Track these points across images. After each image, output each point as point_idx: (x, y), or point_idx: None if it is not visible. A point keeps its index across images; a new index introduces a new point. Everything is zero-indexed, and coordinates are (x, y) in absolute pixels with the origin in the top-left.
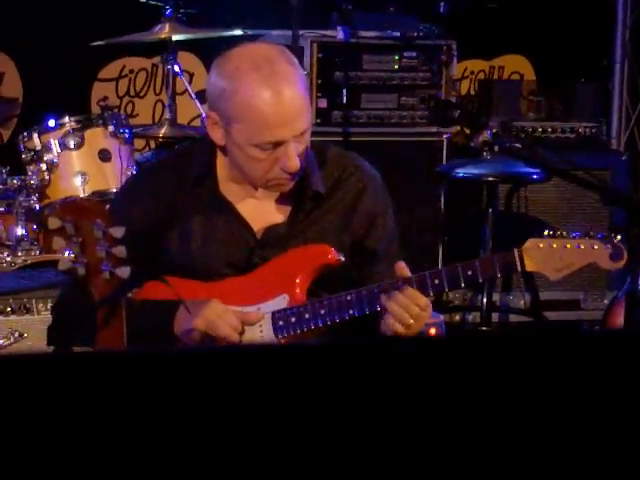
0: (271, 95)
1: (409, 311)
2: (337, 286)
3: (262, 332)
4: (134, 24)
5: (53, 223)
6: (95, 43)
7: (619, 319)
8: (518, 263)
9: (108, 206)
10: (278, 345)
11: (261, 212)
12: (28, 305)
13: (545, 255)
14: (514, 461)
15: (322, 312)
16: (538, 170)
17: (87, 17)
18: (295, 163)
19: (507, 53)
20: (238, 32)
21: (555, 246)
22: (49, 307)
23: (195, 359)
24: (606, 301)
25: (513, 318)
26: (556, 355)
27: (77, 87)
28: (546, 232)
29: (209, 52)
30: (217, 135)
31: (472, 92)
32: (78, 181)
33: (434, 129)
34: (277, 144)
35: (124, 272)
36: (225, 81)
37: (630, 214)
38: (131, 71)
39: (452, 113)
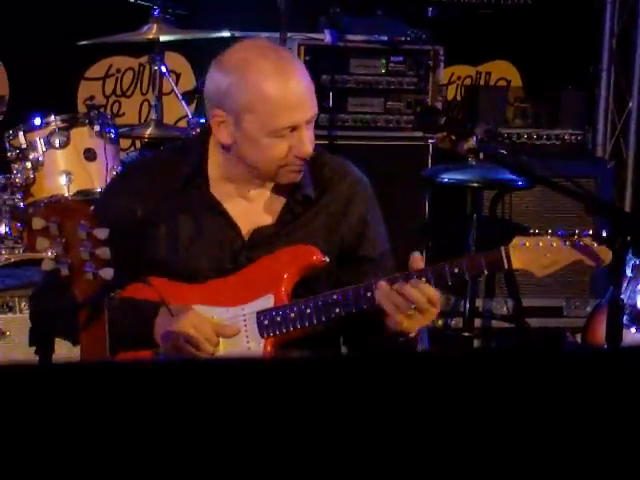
0: (283, 79)
1: (418, 302)
2: (323, 289)
3: (247, 331)
4: (122, 24)
5: (37, 223)
6: (82, 42)
7: (601, 327)
8: (505, 261)
9: (93, 207)
10: (268, 359)
11: (250, 213)
12: (11, 303)
13: (532, 252)
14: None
15: (308, 312)
16: (523, 177)
17: (75, 16)
18: (309, 148)
19: (494, 59)
20: (226, 34)
21: (541, 244)
22: None
23: (179, 371)
24: (589, 309)
25: (495, 324)
26: (538, 373)
27: (64, 86)
28: (531, 231)
29: (196, 53)
30: (224, 134)
31: (458, 98)
32: (63, 180)
33: (420, 134)
34: (292, 129)
35: (107, 273)
36: (232, 74)
37: (614, 223)
38: (118, 70)
39: (438, 119)
